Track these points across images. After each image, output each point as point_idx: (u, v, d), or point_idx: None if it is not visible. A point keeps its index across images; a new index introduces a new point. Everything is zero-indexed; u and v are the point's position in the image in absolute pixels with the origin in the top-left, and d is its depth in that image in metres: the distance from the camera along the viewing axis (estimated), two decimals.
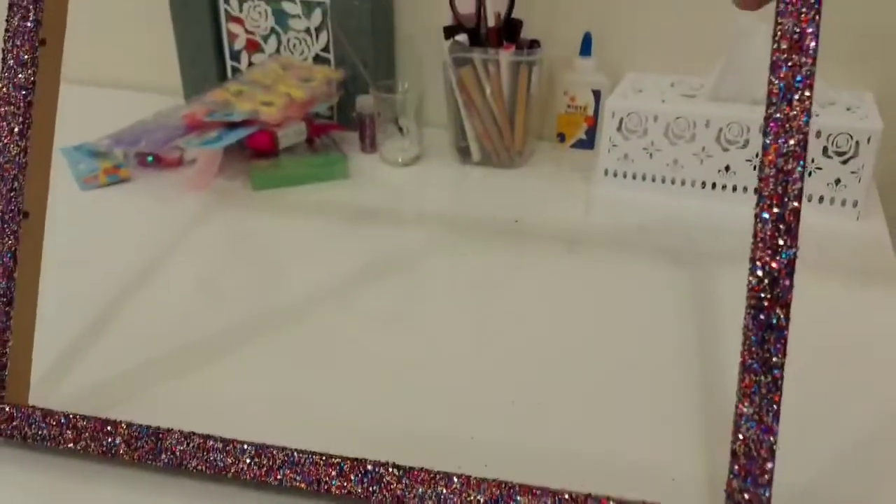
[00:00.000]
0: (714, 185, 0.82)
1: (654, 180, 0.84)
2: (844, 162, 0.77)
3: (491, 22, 0.87)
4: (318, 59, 1.00)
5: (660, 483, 0.45)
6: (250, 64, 1.03)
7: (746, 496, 0.40)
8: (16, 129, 0.48)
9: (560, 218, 0.81)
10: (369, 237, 0.77)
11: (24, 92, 0.48)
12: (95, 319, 0.63)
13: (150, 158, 0.90)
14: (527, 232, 0.78)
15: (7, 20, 0.48)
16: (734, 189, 0.82)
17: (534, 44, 0.89)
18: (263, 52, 1.02)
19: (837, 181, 0.77)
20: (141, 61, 1.15)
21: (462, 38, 0.88)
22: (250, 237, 0.78)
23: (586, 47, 0.91)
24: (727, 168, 0.81)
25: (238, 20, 1.01)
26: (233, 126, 0.87)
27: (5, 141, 0.48)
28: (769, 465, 0.40)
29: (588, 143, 0.95)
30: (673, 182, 0.83)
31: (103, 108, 1.02)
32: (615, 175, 0.86)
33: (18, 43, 0.48)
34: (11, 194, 0.48)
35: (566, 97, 0.94)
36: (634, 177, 0.85)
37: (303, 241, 0.76)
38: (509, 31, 0.89)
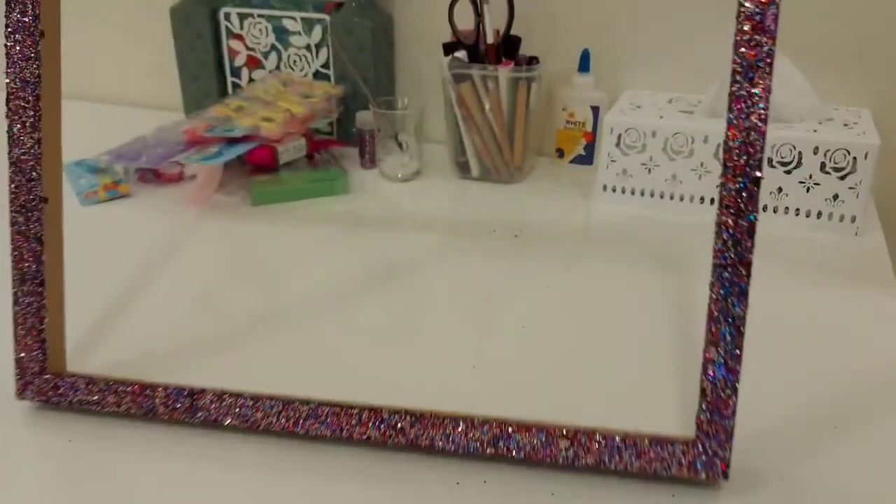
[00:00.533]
0: (713, 201, 0.82)
1: (652, 196, 0.85)
2: (842, 177, 0.77)
3: (490, 39, 0.88)
4: (318, 75, 1.01)
5: (642, 422, 0.49)
6: (251, 80, 1.04)
7: (714, 427, 0.46)
8: (28, 123, 0.50)
9: (560, 233, 0.82)
10: (369, 252, 0.77)
11: (31, 86, 0.50)
12: (90, 330, 0.63)
13: (150, 174, 0.90)
14: (526, 247, 0.78)
15: (6, 16, 0.49)
16: None
17: (532, 60, 0.90)
18: (264, 68, 1.03)
19: (836, 197, 0.78)
20: (141, 78, 1.16)
21: (461, 54, 0.89)
22: (250, 252, 0.78)
23: (584, 64, 0.92)
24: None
25: (239, 37, 1.02)
26: (233, 142, 0.87)
27: (19, 134, 0.51)
28: (732, 400, 0.45)
29: (587, 158, 0.95)
30: (672, 197, 0.84)
31: (103, 124, 1.03)
32: (614, 190, 0.86)
33: (20, 38, 0.50)
34: (31, 184, 0.51)
35: (565, 113, 0.94)
36: (633, 192, 0.85)
37: (302, 256, 0.76)
38: (508, 47, 0.90)
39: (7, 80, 0.50)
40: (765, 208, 0.81)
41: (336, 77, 1.00)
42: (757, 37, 0.43)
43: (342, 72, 0.98)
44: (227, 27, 1.02)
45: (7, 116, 0.51)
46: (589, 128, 0.94)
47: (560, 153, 0.97)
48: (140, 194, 0.88)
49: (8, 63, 0.50)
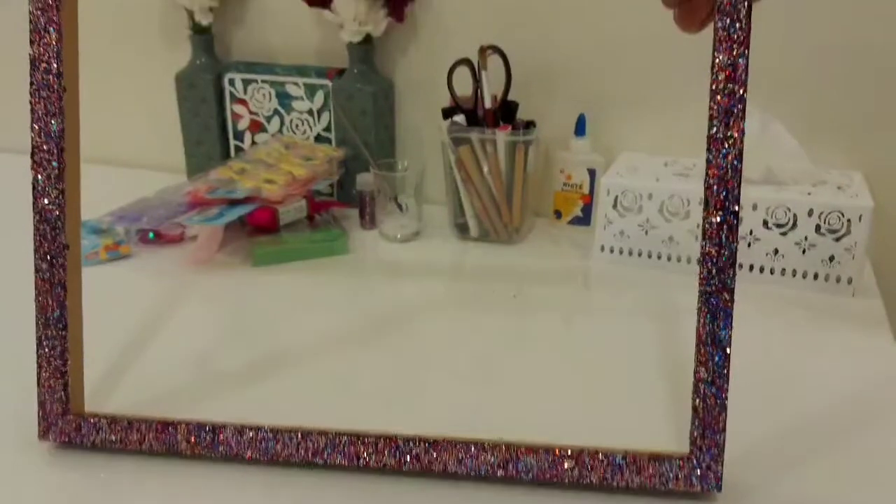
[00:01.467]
0: None
1: (650, 257, 0.85)
2: (837, 239, 0.78)
3: (488, 104, 0.90)
4: (319, 138, 1.03)
5: (639, 440, 0.52)
6: (253, 143, 1.06)
7: (706, 442, 0.49)
8: (52, 175, 0.53)
9: (558, 293, 0.82)
10: (369, 312, 0.77)
11: (55, 139, 0.53)
12: (100, 377, 0.63)
13: (151, 235, 0.90)
14: (525, 307, 0.78)
15: (31, 74, 0.52)
16: None
17: (530, 124, 0.92)
18: (267, 132, 1.05)
19: (831, 258, 0.78)
20: (146, 140, 1.18)
21: (460, 118, 0.91)
22: (250, 313, 0.78)
23: (581, 128, 0.94)
24: None
25: (242, 102, 1.04)
26: (235, 203, 0.88)
27: (44, 185, 0.53)
28: (723, 417, 0.49)
29: (584, 219, 0.96)
30: (669, 258, 0.84)
31: (106, 186, 1.04)
32: (612, 251, 0.87)
33: (45, 94, 0.53)
34: (55, 232, 0.54)
35: (562, 175, 0.96)
36: (631, 253, 0.86)
37: (302, 317, 0.76)
38: (506, 112, 0.92)
39: (32, 135, 0.53)
40: (761, 269, 0.81)
41: (337, 140, 1.02)
42: (731, 85, 0.47)
43: (343, 135, 1.00)
44: (231, 92, 1.04)
45: (32, 169, 0.53)
46: (586, 190, 0.95)
47: (558, 214, 0.98)
48: (141, 255, 0.89)
49: (33, 118, 0.53)
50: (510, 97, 0.91)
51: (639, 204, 0.84)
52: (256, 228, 0.90)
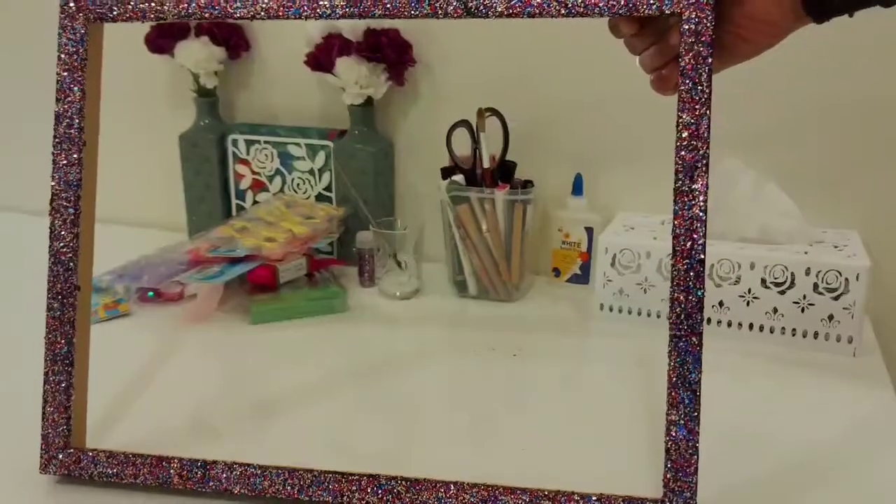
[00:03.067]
0: (709, 321, 0.83)
1: (649, 315, 0.85)
2: (836, 298, 0.78)
3: (486, 164, 0.92)
4: (320, 197, 1.04)
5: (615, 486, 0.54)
6: (255, 202, 1.07)
7: (679, 485, 0.51)
8: (69, 220, 0.57)
9: (558, 352, 0.81)
10: (367, 370, 0.77)
11: (74, 187, 0.57)
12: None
13: (150, 293, 0.91)
14: (525, 365, 0.78)
15: (55, 128, 0.57)
16: (728, 325, 0.82)
17: (527, 184, 0.93)
18: (268, 191, 1.06)
19: (831, 317, 0.78)
20: (147, 199, 1.19)
21: (459, 178, 0.92)
22: (245, 368, 0.78)
23: (578, 187, 0.95)
24: (721, 303, 0.82)
25: (245, 162, 1.06)
26: (235, 261, 0.88)
27: (60, 230, 0.57)
28: (695, 459, 0.51)
29: (583, 277, 0.97)
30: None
31: (107, 244, 1.04)
32: (611, 310, 0.87)
33: (66, 147, 0.57)
34: (68, 273, 0.57)
35: (560, 234, 0.97)
36: (630, 311, 0.86)
37: (300, 376, 0.75)
38: (504, 172, 0.93)
39: (52, 183, 0.57)
40: (761, 328, 0.81)
41: (338, 199, 1.03)
42: (694, 142, 0.50)
43: (344, 194, 1.02)
44: (234, 152, 1.06)
45: (50, 214, 0.57)
46: (584, 248, 0.96)
47: (557, 272, 0.98)
48: (139, 314, 0.88)
49: (54, 168, 0.57)
50: (508, 157, 0.93)
51: (637, 262, 0.85)
52: (256, 286, 0.90)
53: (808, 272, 0.78)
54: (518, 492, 0.53)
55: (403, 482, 0.54)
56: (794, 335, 0.80)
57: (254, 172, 1.06)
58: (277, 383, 0.74)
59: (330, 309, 0.89)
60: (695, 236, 0.50)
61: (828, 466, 0.60)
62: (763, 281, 0.80)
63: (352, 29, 0.95)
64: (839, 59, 0.86)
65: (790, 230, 0.83)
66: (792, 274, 0.79)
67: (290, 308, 0.88)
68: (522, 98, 0.96)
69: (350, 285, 0.96)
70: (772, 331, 0.81)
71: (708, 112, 0.50)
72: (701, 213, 0.50)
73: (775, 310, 0.80)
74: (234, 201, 1.08)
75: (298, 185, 1.05)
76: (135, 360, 0.77)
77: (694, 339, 0.51)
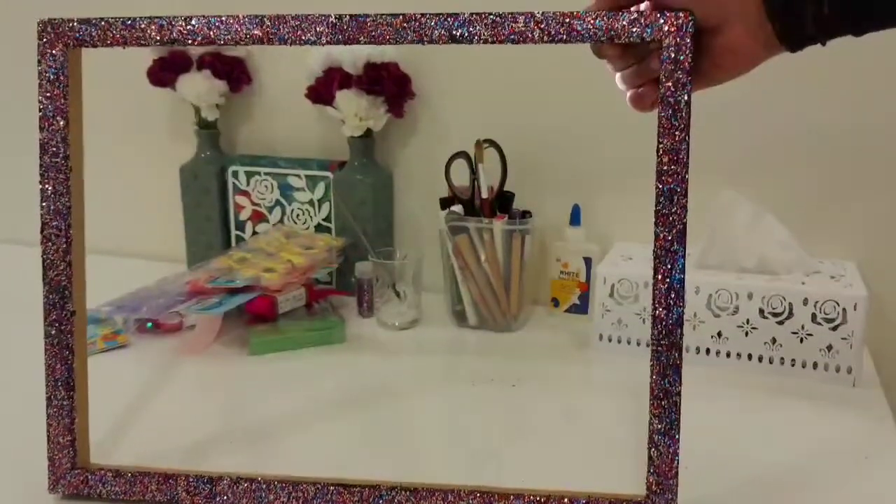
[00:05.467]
0: (708, 351, 0.83)
1: (648, 345, 0.85)
2: (834, 328, 0.78)
3: (485, 194, 0.92)
4: (320, 227, 1.05)
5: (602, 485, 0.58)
6: (255, 233, 1.07)
7: (660, 487, 0.54)
8: (61, 249, 0.57)
9: (557, 382, 0.81)
10: (366, 400, 0.76)
11: (64, 215, 0.57)
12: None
13: (149, 325, 0.90)
14: (525, 396, 0.78)
15: (40, 157, 0.57)
16: (727, 355, 0.82)
17: (526, 214, 0.93)
18: (268, 222, 1.07)
19: (829, 347, 0.78)
20: (147, 230, 1.19)
21: (458, 208, 0.93)
22: (247, 402, 0.77)
23: (576, 218, 0.96)
24: (719, 334, 0.82)
25: (245, 193, 1.07)
26: (234, 292, 0.88)
27: (53, 258, 0.58)
28: (675, 463, 0.54)
29: (582, 307, 0.97)
30: None
31: (106, 276, 1.04)
32: (610, 340, 0.87)
33: (53, 175, 0.57)
34: (63, 300, 0.58)
35: (559, 264, 0.97)
36: (629, 342, 0.86)
37: (298, 407, 0.75)
38: (502, 202, 0.94)
39: (41, 212, 0.57)
40: (760, 359, 0.81)
41: (337, 230, 1.03)
42: (673, 167, 0.53)
43: (343, 224, 1.02)
44: (234, 184, 1.07)
45: (42, 243, 0.57)
46: (582, 278, 0.96)
47: (555, 302, 0.98)
48: (138, 345, 0.88)
49: (42, 198, 0.57)
50: (506, 188, 0.94)
51: (635, 292, 0.85)
52: (255, 317, 0.90)
53: (805, 302, 0.78)
54: (512, 497, 0.56)
55: (404, 491, 0.56)
56: (793, 365, 0.80)
57: (254, 203, 1.07)
58: (276, 414, 0.73)
59: (329, 339, 0.89)
60: (675, 257, 0.53)
61: (828, 497, 0.60)
62: (761, 311, 0.80)
63: (352, 62, 0.97)
64: (834, 88, 0.87)
65: (788, 261, 0.83)
66: (790, 304, 0.79)
67: (289, 339, 0.88)
68: (520, 129, 0.97)
69: (349, 315, 0.96)
70: (770, 361, 0.81)
71: (687, 137, 0.52)
72: (680, 235, 0.53)
73: (774, 340, 0.80)
74: (233, 232, 1.09)
75: (298, 215, 1.05)
76: (133, 392, 0.77)
77: (674, 352, 0.53)
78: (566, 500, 0.56)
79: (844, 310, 0.77)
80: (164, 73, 1.04)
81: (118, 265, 1.15)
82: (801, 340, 0.79)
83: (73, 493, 0.59)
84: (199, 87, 1.03)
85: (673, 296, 0.53)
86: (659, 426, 0.54)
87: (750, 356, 0.81)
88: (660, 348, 0.54)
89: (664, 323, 0.54)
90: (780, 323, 0.80)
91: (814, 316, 0.78)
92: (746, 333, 0.81)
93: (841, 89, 0.87)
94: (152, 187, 1.16)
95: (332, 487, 0.57)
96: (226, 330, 0.90)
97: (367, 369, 0.84)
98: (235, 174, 1.06)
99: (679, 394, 0.54)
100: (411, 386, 0.81)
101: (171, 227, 1.12)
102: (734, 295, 0.81)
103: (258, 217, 1.07)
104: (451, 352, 0.90)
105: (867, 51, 0.85)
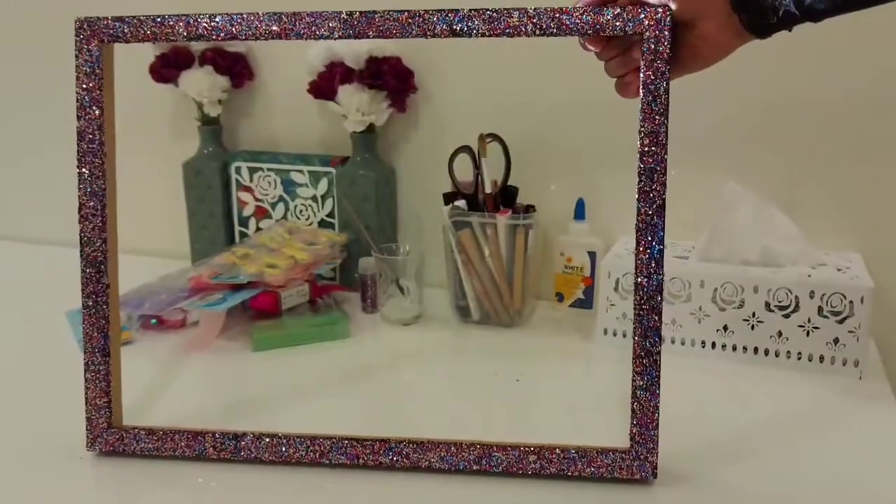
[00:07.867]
0: (714, 345, 0.82)
1: None
2: (841, 321, 0.77)
3: (488, 189, 0.92)
4: (323, 223, 1.05)
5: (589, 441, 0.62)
6: (258, 229, 1.07)
7: (643, 437, 0.59)
8: (97, 227, 0.63)
9: (561, 377, 0.81)
10: (369, 396, 0.76)
11: (100, 196, 0.63)
12: None
13: (153, 321, 0.90)
14: (528, 391, 0.77)
15: (78, 143, 0.62)
16: (734, 349, 0.82)
17: (529, 208, 0.93)
18: (271, 217, 1.06)
19: (836, 340, 0.78)
20: (150, 227, 1.19)
21: (461, 203, 0.92)
22: (250, 398, 0.77)
23: (580, 212, 0.95)
24: (725, 328, 0.81)
25: (248, 189, 1.06)
26: (237, 288, 0.88)
27: (90, 235, 0.63)
28: (656, 416, 0.59)
29: (586, 302, 0.96)
30: (672, 342, 0.84)
31: None
32: (615, 334, 0.86)
33: (89, 160, 0.63)
34: (99, 274, 0.64)
35: (563, 258, 0.96)
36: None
37: (302, 404, 0.75)
38: (506, 197, 0.93)
39: (79, 194, 0.63)
40: (766, 352, 0.80)
41: (340, 225, 1.03)
42: (654, 148, 0.57)
43: (346, 220, 1.02)
44: (237, 180, 1.06)
45: (80, 222, 0.63)
46: (587, 272, 0.96)
47: (560, 297, 0.98)
48: (142, 341, 0.88)
49: (80, 181, 0.63)
50: (510, 182, 0.93)
51: None
52: (258, 312, 0.90)
53: (811, 295, 0.78)
54: (509, 448, 0.61)
55: (411, 444, 0.62)
56: (799, 359, 0.79)
57: (257, 199, 1.07)
58: (279, 410, 0.73)
59: (332, 335, 0.89)
60: (654, 230, 0.58)
61: (836, 488, 0.59)
62: (767, 304, 0.80)
63: (354, 57, 0.96)
64: (839, 81, 0.87)
65: (792, 253, 0.82)
66: (796, 297, 0.78)
67: (293, 334, 0.88)
68: (523, 123, 0.97)
69: (352, 311, 0.96)
70: (777, 354, 0.80)
71: (666, 121, 0.57)
72: (660, 210, 0.57)
73: (780, 333, 0.80)
74: (237, 228, 1.09)
75: (301, 211, 1.05)
76: (137, 388, 0.77)
77: (654, 316, 0.58)
78: (557, 450, 0.60)
79: (851, 302, 0.77)
80: (167, 69, 1.04)
81: (121, 261, 1.14)
82: (808, 334, 0.78)
83: (109, 450, 0.64)
84: (201, 83, 1.03)
85: (653, 265, 0.58)
86: (641, 382, 0.59)
87: (756, 350, 0.81)
88: (641, 312, 0.59)
89: (645, 289, 0.58)
90: (787, 316, 0.79)
91: (820, 309, 0.78)
92: (752, 327, 0.80)
93: (847, 82, 0.87)
94: (155, 184, 1.16)
95: (345, 441, 0.62)
96: (229, 326, 0.89)
97: (371, 364, 0.84)
98: (238, 170, 1.06)
99: (659, 353, 0.59)
100: (414, 381, 0.81)
101: (175, 223, 1.12)
102: (739, 288, 0.80)
103: (261, 213, 1.07)
104: (455, 347, 0.90)
105: (872, 42, 0.85)
